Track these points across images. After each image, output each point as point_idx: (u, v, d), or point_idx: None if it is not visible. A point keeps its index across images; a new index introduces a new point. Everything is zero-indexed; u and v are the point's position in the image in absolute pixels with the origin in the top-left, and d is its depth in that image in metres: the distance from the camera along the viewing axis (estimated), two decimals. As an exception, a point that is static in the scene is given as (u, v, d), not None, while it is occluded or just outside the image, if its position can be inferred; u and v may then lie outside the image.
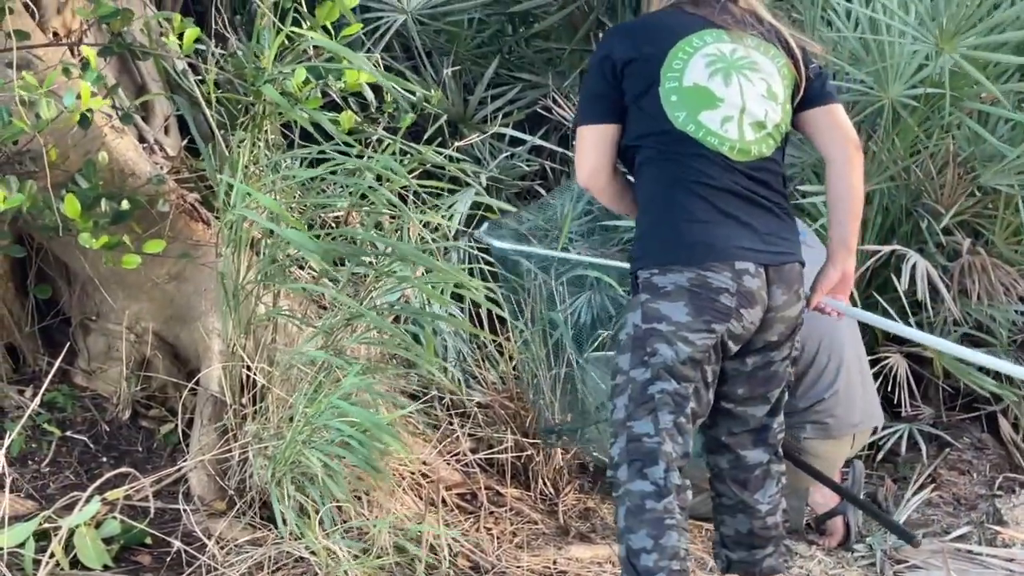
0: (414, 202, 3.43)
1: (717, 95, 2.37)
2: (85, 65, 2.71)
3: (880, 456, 4.02)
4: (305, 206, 3.10)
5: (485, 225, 3.11)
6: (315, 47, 2.82)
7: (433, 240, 3.30)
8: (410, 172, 3.14)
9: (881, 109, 3.73)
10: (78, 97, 2.55)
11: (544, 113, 4.59)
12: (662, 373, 2.32)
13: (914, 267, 3.71)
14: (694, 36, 2.41)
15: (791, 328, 2.46)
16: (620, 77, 2.43)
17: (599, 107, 2.48)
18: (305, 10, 2.90)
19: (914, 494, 3.82)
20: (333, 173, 2.91)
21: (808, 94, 2.50)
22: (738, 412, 2.53)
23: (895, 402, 3.92)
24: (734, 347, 2.39)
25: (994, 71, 3.72)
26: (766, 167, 2.43)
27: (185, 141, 3.76)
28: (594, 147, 2.48)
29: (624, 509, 2.34)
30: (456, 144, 3.56)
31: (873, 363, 3.69)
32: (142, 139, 3.49)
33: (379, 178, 3.01)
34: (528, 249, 2.95)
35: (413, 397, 3.58)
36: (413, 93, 3.21)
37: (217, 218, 3.01)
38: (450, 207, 4.07)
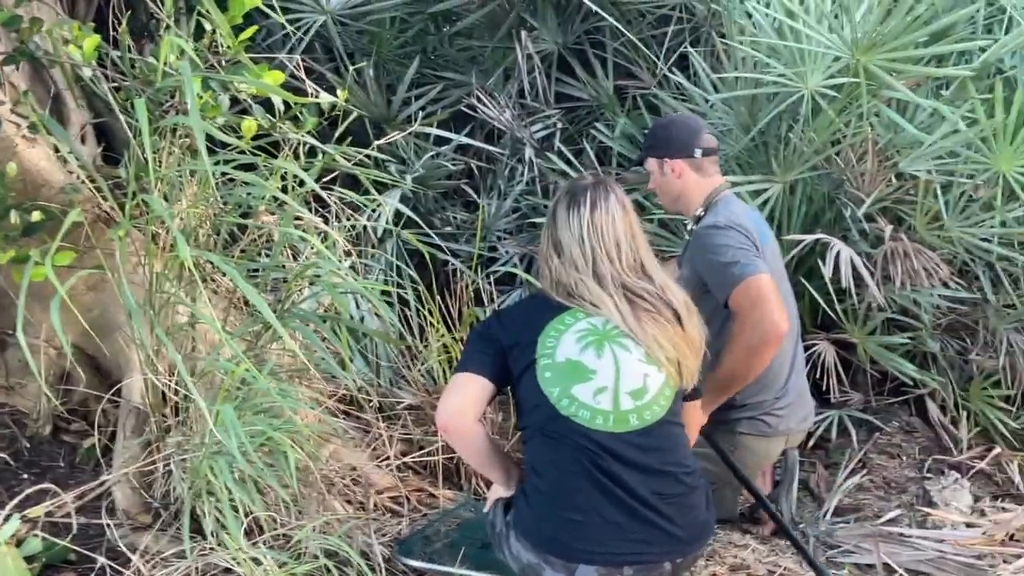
0: (337, 204, 3.39)
1: (589, 368, 2.32)
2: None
3: (811, 443, 4.06)
4: (224, 206, 3.05)
5: (396, 547, 3.13)
6: (222, 50, 2.77)
7: (355, 243, 3.27)
8: (327, 174, 3.09)
9: (801, 99, 3.76)
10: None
11: (468, 111, 4.59)
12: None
13: (838, 255, 3.74)
14: (566, 314, 2.39)
15: None
16: (505, 355, 2.39)
17: (479, 359, 2.41)
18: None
19: (846, 479, 3.87)
20: (241, 179, 2.86)
21: None
22: None
23: (824, 389, 3.96)
24: None
25: (912, 58, 3.73)
26: (656, 434, 2.34)
27: (100, 149, 3.70)
28: (459, 389, 2.39)
29: None
30: (378, 143, 3.52)
31: (800, 350, 3.72)
32: (56, 148, 3.42)
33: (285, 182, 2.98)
34: (446, 569, 3.01)
35: (342, 401, 3.55)
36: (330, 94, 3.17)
37: (136, 227, 2.95)
38: (376, 208, 4.04)
